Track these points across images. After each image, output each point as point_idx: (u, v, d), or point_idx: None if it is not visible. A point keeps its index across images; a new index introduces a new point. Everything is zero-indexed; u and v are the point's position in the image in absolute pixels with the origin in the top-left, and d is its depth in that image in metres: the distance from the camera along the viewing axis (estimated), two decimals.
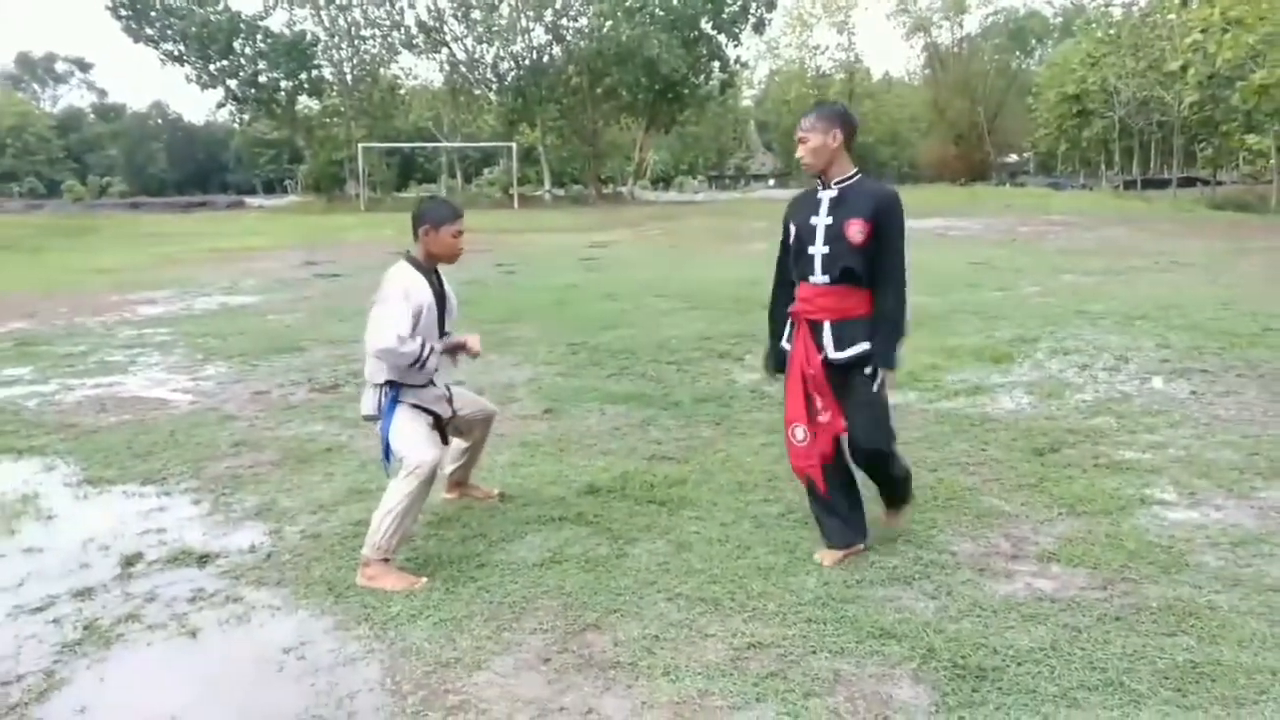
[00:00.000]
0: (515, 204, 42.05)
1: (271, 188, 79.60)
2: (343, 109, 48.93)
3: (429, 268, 3.93)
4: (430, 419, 3.95)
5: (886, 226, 3.48)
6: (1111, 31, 45.62)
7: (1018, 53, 72.11)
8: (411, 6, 47.01)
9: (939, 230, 22.02)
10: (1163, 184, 45.21)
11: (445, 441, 4.10)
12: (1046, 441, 5.17)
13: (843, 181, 3.60)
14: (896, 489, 3.90)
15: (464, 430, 4.32)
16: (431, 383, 3.98)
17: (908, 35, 73.25)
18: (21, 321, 10.80)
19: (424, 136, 53.60)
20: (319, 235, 24.69)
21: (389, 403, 3.86)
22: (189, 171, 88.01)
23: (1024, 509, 4.20)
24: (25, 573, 3.79)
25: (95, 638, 3.22)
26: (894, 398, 6.20)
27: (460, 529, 4.11)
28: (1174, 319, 8.70)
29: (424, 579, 3.59)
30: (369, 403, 3.94)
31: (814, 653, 2.97)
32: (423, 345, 3.75)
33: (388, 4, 46.55)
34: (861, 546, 3.73)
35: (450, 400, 4.11)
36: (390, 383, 3.85)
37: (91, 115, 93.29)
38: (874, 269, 3.49)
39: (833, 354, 3.54)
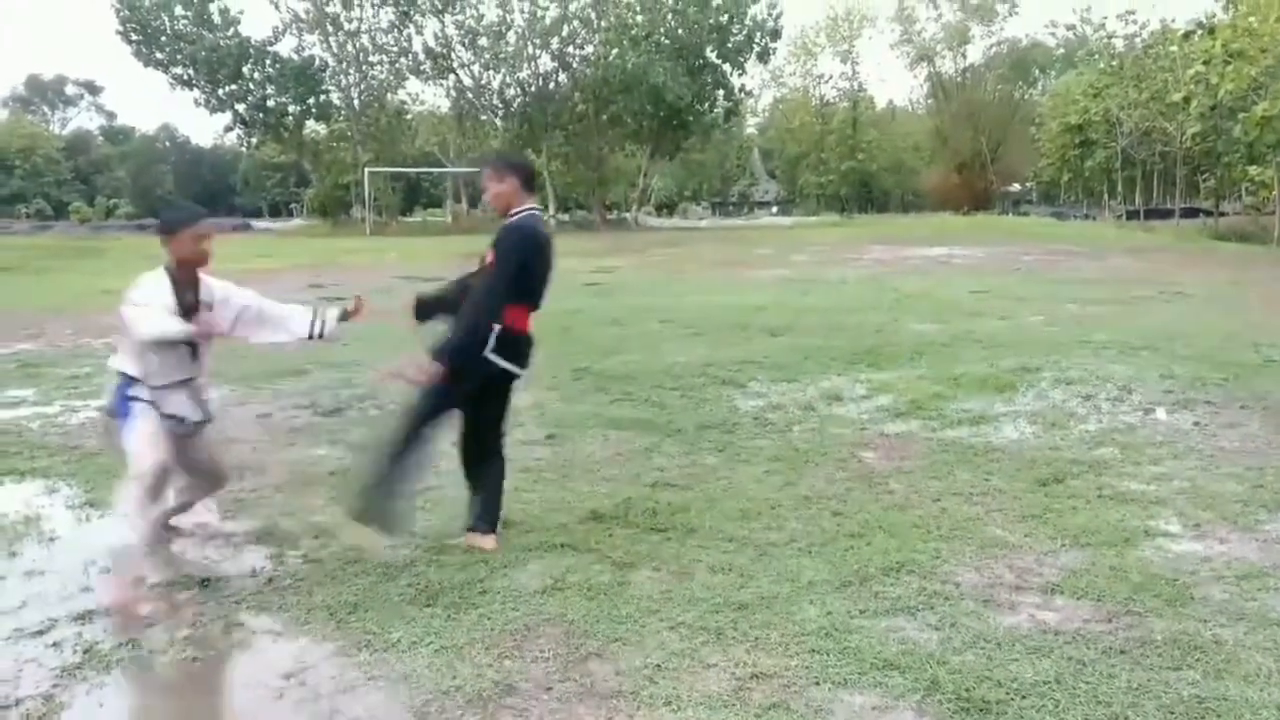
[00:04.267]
0: None
1: (277, 211, 79.96)
2: (350, 134, 49.29)
3: (183, 277, 3.93)
4: (169, 421, 3.90)
5: (500, 253, 4.02)
6: (1114, 63, 46.02)
7: (1020, 83, 72.56)
8: (419, 33, 47.33)
9: (942, 258, 22.07)
10: (1165, 214, 45.37)
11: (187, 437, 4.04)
12: (1050, 472, 5.16)
13: (514, 215, 4.11)
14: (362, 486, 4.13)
15: (187, 468, 4.19)
16: (181, 384, 3.96)
17: (911, 65, 73.83)
18: (26, 342, 10.83)
19: (430, 161, 53.95)
20: (324, 258, 24.80)
21: (120, 396, 3.85)
22: (196, 194, 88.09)
23: (1028, 540, 4.18)
24: (26, 595, 3.78)
25: (95, 662, 3.21)
26: (897, 426, 6.27)
27: (461, 555, 4.10)
28: (1178, 349, 8.69)
29: (148, 603, 3.61)
30: (106, 390, 3.97)
31: (817, 684, 2.96)
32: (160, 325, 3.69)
33: (396, 31, 46.99)
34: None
35: (203, 408, 4.07)
36: (125, 375, 3.84)
37: (100, 137, 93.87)
38: None
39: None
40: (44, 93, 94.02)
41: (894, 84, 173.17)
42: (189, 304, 3.93)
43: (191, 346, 3.97)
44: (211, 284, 4.07)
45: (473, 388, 4.10)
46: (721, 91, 48.35)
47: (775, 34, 47.37)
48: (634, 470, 5.39)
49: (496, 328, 4.01)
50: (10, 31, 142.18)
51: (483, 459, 4.31)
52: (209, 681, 3.12)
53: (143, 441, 3.77)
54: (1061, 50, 66.79)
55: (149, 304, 3.79)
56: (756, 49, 47.15)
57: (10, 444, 6.16)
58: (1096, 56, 49.35)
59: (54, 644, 3.36)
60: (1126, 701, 2.81)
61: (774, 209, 79.64)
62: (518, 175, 4.13)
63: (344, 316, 4.37)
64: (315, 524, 4.53)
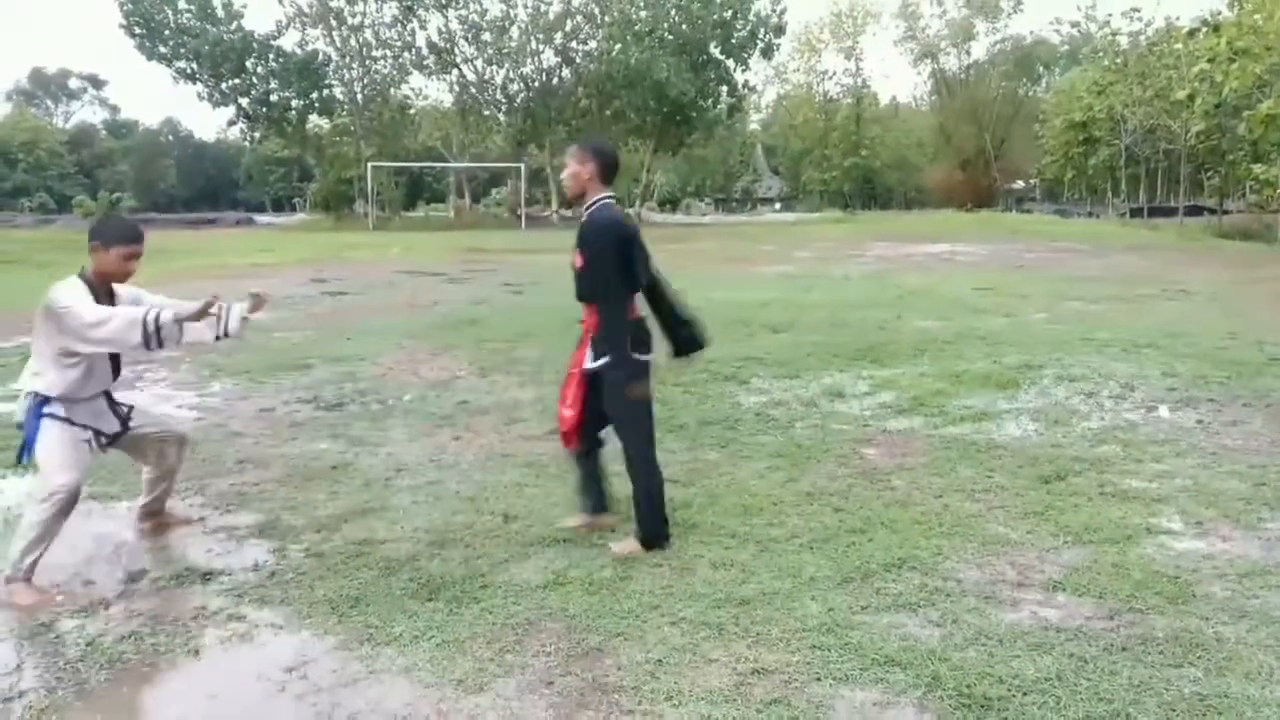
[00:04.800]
0: (523, 225, 42.18)
1: (280, 205, 79.89)
2: (353, 128, 49.20)
3: (100, 286, 3.88)
4: (87, 433, 3.90)
5: (591, 252, 3.96)
6: (1118, 60, 45.84)
7: (1025, 80, 72.33)
8: (423, 28, 47.20)
9: (945, 255, 22.05)
10: (1169, 212, 45.23)
11: (104, 449, 4.04)
12: (1052, 469, 5.16)
13: (589, 208, 4.07)
14: (637, 510, 4.13)
15: (146, 453, 4.24)
16: (99, 395, 3.95)
17: (915, 61, 73.67)
18: (29, 336, 10.84)
19: (433, 156, 53.87)
20: (327, 253, 24.79)
21: (34, 414, 3.81)
22: (199, 188, 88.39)
23: (1030, 537, 4.18)
24: None
25: (97, 655, 3.21)
26: (899, 423, 6.27)
27: (464, 549, 4.11)
28: (1180, 348, 8.68)
29: (59, 596, 3.66)
30: (20, 409, 3.90)
31: (818, 679, 2.96)
32: (145, 319, 3.62)
33: (399, 25, 46.91)
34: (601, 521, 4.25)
35: (125, 418, 4.07)
36: (38, 395, 3.79)
37: (103, 131, 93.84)
38: (593, 290, 4.00)
39: (588, 365, 4.05)
40: (47, 86, 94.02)
41: (898, 80, 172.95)
42: None
43: (115, 357, 3.96)
44: (120, 288, 4.01)
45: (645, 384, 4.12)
46: (725, 87, 48.25)
47: (779, 30, 47.24)
48: None
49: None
50: (14, 25, 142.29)
51: (596, 443, 4.39)
52: (211, 675, 3.12)
53: (55, 460, 3.74)
54: (1066, 47, 66.62)
55: (96, 309, 3.73)
56: (760, 45, 47.02)
57: (12, 438, 6.15)
58: (1101, 54, 49.12)
59: (56, 637, 3.37)
60: (1128, 699, 2.81)
61: (777, 205, 79.55)
62: (598, 162, 4.05)
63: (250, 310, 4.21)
64: (317, 518, 4.55)
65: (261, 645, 3.31)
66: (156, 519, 4.46)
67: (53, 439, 3.78)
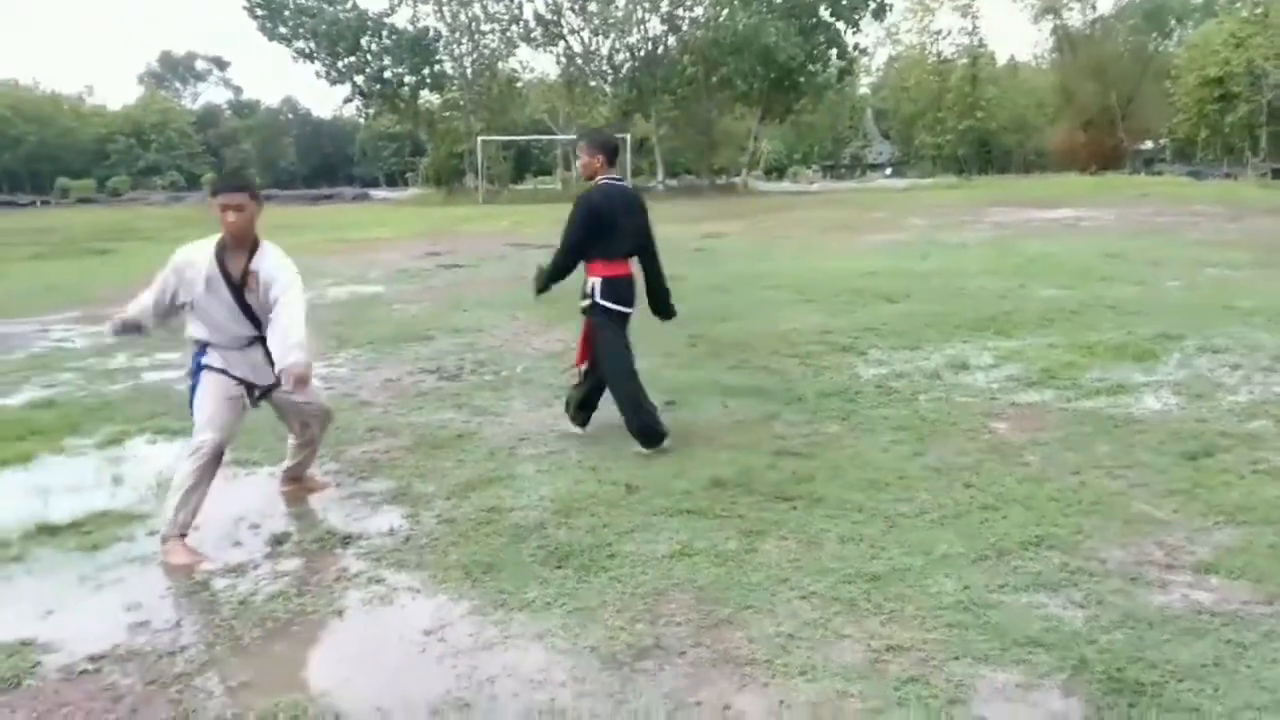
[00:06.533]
0: None
1: (394, 180, 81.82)
2: (462, 103, 50.01)
3: (229, 242, 3.99)
4: (240, 388, 4.04)
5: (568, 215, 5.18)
6: (1258, 10, 43.03)
7: (1155, 34, 68.39)
8: (530, 0, 47.62)
9: (1069, 221, 21.11)
10: None
11: (255, 404, 4.17)
12: (1198, 445, 4.89)
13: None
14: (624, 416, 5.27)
15: (292, 421, 4.39)
16: (252, 343, 4.06)
17: (1036, 18, 70.34)
18: None
19: (540, 129, 54.35)
20: (440, 226, 25.34)
21: (195, 363, 4.03)
22: (317, 165, 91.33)
23: (1177, 516, 3.98)
24: None
25: (250, 613, 3.38)
26: (1029, 396, 6.05)
27: (589, 518, 4.15)
28: None
29: (209, 560, 3.79)
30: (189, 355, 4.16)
31: (956, 658, 2.89)
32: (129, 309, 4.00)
33: None
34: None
35: (273, 370, 4.07)
36: (197, 341, 4.00)
37: (228, 111, 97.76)
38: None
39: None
40: (176, 69, 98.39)
41: (1016, 38, 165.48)
42: (235, 270, 3.97)
43: (241, 304, 3.99)
44: (267, 261, 4.02)
45: (612, 325, 5.19)
46: (835, 51, 47.14)
47: None
48: (755, 438, 5.34)
49: (598, 281, 5.12)
50: (145, 10, 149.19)
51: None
52: (356, 635, 3.24)
53: (205, 415, 3.94)
54: None
55: (160, 275, 4.06)
56: (872, 6, 45.72)
57: (159, 404, 6.51)
58: (1239, 4, 46.18)
59: (210, 596, 3.56)
60: None
61: (888, 171, 77.56)
62: (602, 152, 5.22)
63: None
64: (447, 485, 4.66)
65: (401, 608, 3.41)
66: (296, 484, 4.65)
67: (205, 393, 3.99)
